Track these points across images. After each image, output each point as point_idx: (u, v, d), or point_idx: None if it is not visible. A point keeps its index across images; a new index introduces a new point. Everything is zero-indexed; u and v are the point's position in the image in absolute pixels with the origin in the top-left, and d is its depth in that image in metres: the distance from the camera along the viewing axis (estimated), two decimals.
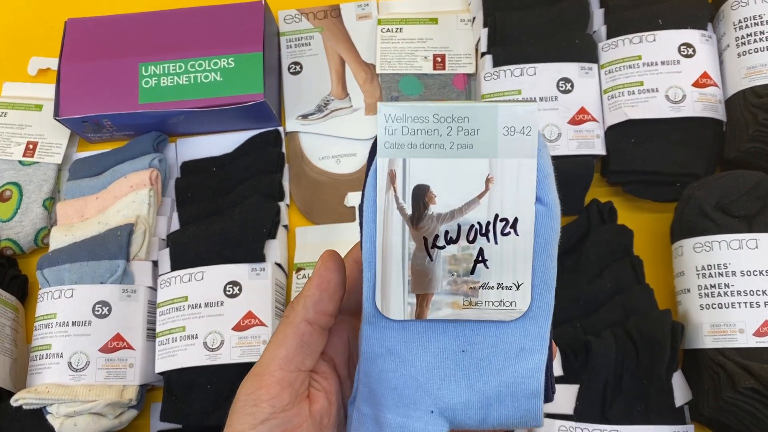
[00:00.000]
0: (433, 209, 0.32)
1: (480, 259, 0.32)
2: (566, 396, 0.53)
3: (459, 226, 0.32)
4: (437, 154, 0.31)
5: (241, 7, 0.64)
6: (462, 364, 0.33)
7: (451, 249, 0.32)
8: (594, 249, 0.57)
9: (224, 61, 0.62)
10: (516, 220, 0.32)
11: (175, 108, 0.62)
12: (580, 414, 0.52)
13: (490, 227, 0.32)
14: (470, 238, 0.32)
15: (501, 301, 0.33)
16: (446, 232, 0.32)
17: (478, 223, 0.32)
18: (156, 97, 0.62)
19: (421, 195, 0.32)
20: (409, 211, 0.32)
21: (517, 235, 0.32)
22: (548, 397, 0.35)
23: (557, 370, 0.54)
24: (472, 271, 0.32)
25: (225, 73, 0.62)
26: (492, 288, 0.32)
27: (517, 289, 0.33)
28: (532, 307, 0.33)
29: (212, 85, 0.62)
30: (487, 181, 0.31)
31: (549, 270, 0.33)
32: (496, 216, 0.32)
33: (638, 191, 0.60)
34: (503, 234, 0.32)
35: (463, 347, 0.33)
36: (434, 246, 0.32)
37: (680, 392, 0.51)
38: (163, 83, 0.63)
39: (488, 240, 0.32)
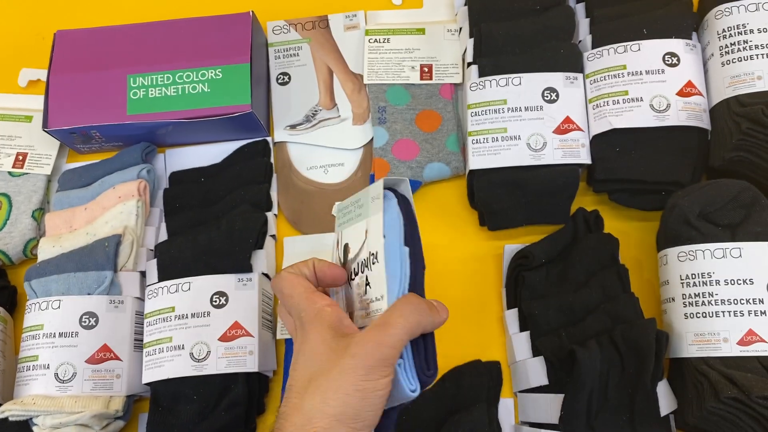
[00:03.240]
0: (350, 256, 0.48)
1: (367, 282, 0.46)
2: (552, 405, 0.53)
3: (358, 263, 0.47)
4: (350, 224, 0.49)
5: (228, 19, 0.64)
6: None
7: (357, 279, 0.47)
8: (580, 258, 0.57)
9: (212, 72, 0.63)
10: (376, 252, 0.45)
11: (163, 119, 0.62)
12: (565, 423, 0.52)
13: (368, 261, 0.46)
14: (362, 270, 0.47)
15: (376, 309, 0.45)
16: (354, 269, 0.48)
17: (365, 259, 0.47)
18: (144, 108, 0.63)
19: (345, 249, 0.49)
20: (341, 260, 0.49)
21: (378, 262, 0.45)
22: (426, 378, 0.44)
23: (542, 380, 0.54)
24: (366, 293, 0.46)
25: (212, 84, 0.62)
26: (374, 301, 0.45)
27: (381, 299, 0.45)
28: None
29: (200, 96, 0.62)
30: (366, 232, 0.47)
31: (398, 272, 0.45)
32: (370, 252, 0.46)
33: (624, 200, 0.60)
34: (373, 264, 0.46)
35: None
36: (350, 279, 0.48)
37: (665, 401, 0.51)
38: (152, 94, 0.63)
39: (369, 269, 0.46)
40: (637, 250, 0.61)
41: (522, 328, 0.57)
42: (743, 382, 0.46)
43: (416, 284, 0.45)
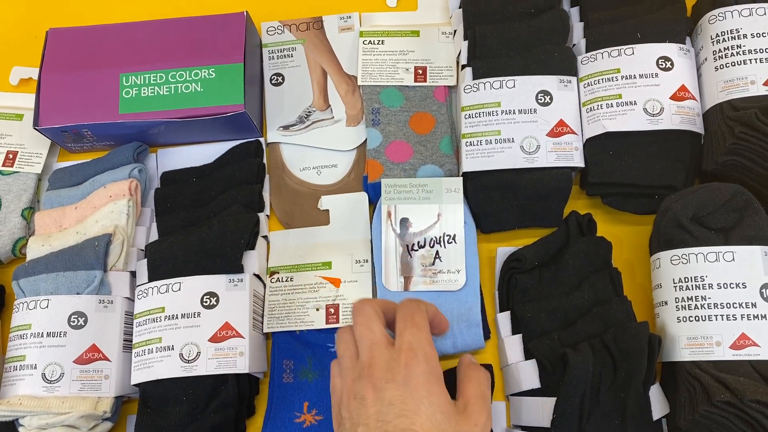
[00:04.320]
0: (411, 230, 0.59)
1: (437, 256, 0.59)
2: (544, 408, 0.52)
3: (425, 239, 0.59)
4: (411, 203, 0.60)
5: (222, 19, 0.64)
6: None
7: (421, 251, 0.59)
8: (573, 261, 0.57)
9: (205, 72, 0.62)
10: (454, 235, 0.59)
11: (156, 118, 0.62)
12: (557, 427, 0.51)
13: (441, 239, 0.59)
14: (431, 245, 0.59)
15: (449, 280, 0.59)
16: (418, 242, 0.59)
17: (435, 237, 0.59)
18: (136, 108, 0.62)
19: (404, 223, 0.59)
20: (398, 231, 0.59)
21: (456, 243, 0.59)
22: (486, 333, 0.58)
23: (534, 383, 0.54)
24: (433, 263, 0.59)
25: (206, 84, 0.62)
26: (444, 272, 0.59)
27: (458, 273, 0.59)
28: (467, 282, 0.59)
29: (193, 96, 0.62)
30: (438, 215, 0.60)
31: (474, 260, 0.59)
32: (444, 233, 0.59)
33: (617, 203, 0.60)
34: (448, 243, 0.59)
35: (436, 306, 0.54)
36: (412, 249, 0.59)
37: (657, 405, 0.51)
38: (144, 93, 0.62)
39: (441, 246, 0.59)
40: (630, 253, 0.61)
41: (514, 331, 0.57)
42: (736, 386, 0.46)
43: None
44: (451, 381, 0.56)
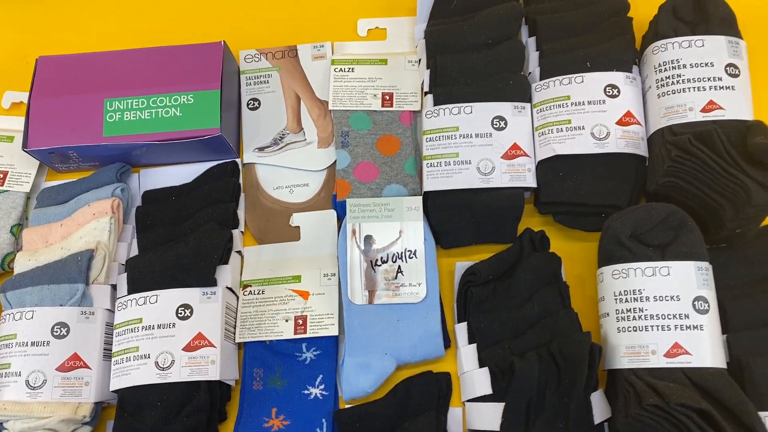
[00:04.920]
0: (374, 246, 0.63)
1: (399, 270, 0.63)
2: (494, 413, 0.56)
3: (387, 254, 0.63)
4: (375, 221, 0.64)
5: (201, 48, 0.68)
6: (398, 325, 0.62)
7: (384, 266, 0.63)
8: (524, 275, 0.61)
9: (184, 98, 0.67)
10: (415, 250, 0.64)
11: (138, 141, 0.66)
12: (505, 430, 0.55)
13: (403, 254, 0.63)
14: (393, 260, 0.63)
15: (411, 293, 0.63)
16: (381, 258, 0.63)
17: (397, 252, 0.64)
18: (119, 131, 0.66)
19: (368, 239, 0.63)
20: (362, 247, 0.63)
21: (417, 258, 0.63)
22: (446, 342, 0.62)
23: (486, 389, 0.58)
24: (395, 277, 0.63)
25: (184, 109, 0.66)
26: (406, 286, 0.63)
27: (419, 286, 0.63)
28: (428, 294, 0.63)
29: (172, 120, 0.66)
30: (400, 232, 0.64)
31: (434, 274, 0.64)
32: (405, 249, 0.63)
33: (567, 221, 0.64)
34: (409, 258, 0.63)
35: (398, 317, 0.62)
36: (375, 264, 0.63)
37: (599, 410, 0.55)
38: (127, 118, 0.67)
39: (403, 261, 0.63)
40: (581, 268, 0.65)
41: (470, 341, 0.61)
42: (664, 390, 0.49)
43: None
44: (410, 388, 0.60)
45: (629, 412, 0.51)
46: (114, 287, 0.64)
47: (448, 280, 0.66)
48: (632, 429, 0.51)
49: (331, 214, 0.67)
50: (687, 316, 0.54)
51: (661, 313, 0.54)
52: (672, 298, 0.54)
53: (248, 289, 0.65)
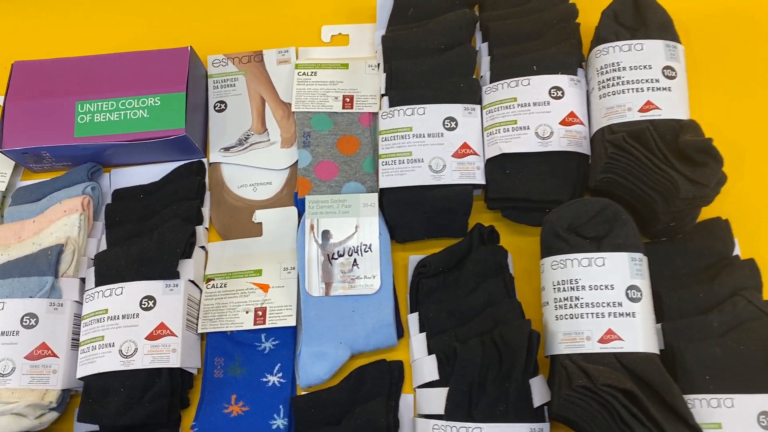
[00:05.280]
0: (331, 240, 0.67)
1: (355, 263, 0.66)
2: (440, 398, 0.59)
3: (344, 248, 0.67)
4: (332, 216, 0.67)
5: (168, 53, 0.72)
6: (353, 316, 0.65)
7: (340, 259, 0.66)
8: (472, 267, 0.64)
9: (151, 100, 0.70)
10: (370, 244, 0.67)
11: (107, 141, 0.69)
12: (449, 413, 0.58)
13: (359, 248, 0.67)
14: (349, 254, 0.66)
15: (366, 284, 0.66)
16: (338, 251, 0.67)
17: (353, 246, 0.67)
18: (90, 132, 0.70)
19: (326, 234, 0.66)
20: (320, 242, 0.66)
21: (372, 251, 0.67)
22: (399, 332, 0.66)
23: (434, 375, 0.60)
24: (351, 270, 0.66)
25: (151, 111, 0.70)
26: (361, 278, 0.66)
27: (373, 278, 0.66)
28: (382, 286, 0.66)
29: (140, 121, 0.69)
30: (356, 227, 0.67)
31: (388, 267, 0.66)
32: (361, 243, 0.67)
33: (514, 216, 0.67)
34: (365, 251, 0.67)
35: (353, 308, 0.65)
36: (332, 258, 0.66)
37: (539, 394, 0.58)
38: (97, 119, 0.70)
39: (358, 254, 0.66)
40: (528, 261, 0.68)
41: (420, 330, 0.64)
42: (593, 372, 0.52)
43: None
44: (363, 376, 0.63)
45: (561, 393, 0.54)
46: (83, 281, 0.67)
47: (403, 273, 0.69)
48: (564, 410, 0.54)
49: (292, 211, 0.70)
50: (620, 304, 0.57)
51: (596, 302, 0.57)
52: (606, 287, 0.57)
53: (211, 282, 0.68)
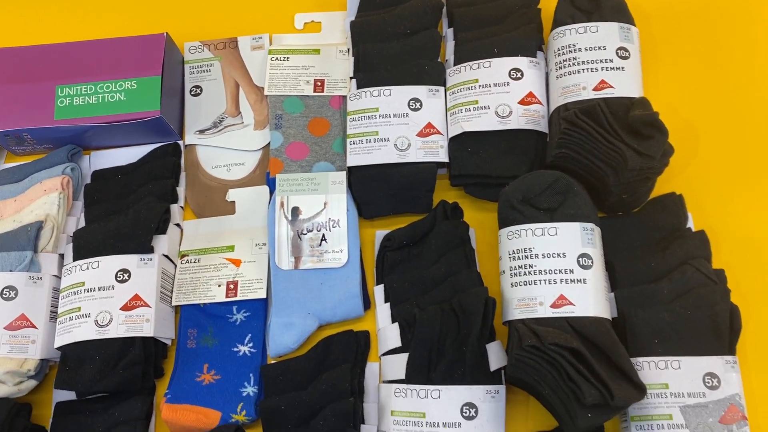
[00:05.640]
0: (301, 216, 0.69)
1: (323, 238, 0.69)
2: (401, 363, 0.62)
3: (313, 224, 0.69)
4: (302, 194, 0.70)
5: (144, 39, 0.74)
6: (321, 288, 0.68)
7: (309, 234, 0.69)
8: (435, 240, 0.67)
9: (128, 84, 0.73)
10: (338, 220, 0.69)
11: (86, 123, 0.72)
12: (409, 377, 0.60)
13: (327, 224, 0.69)
14: (318, 229, 0.69)
15: (333, 258, 0.68)
16: (307, 227, 0.69)
17: (321, 222, 0.69)
18: (69, 114, 0.72)
19: (295, 211, 0.69)
20: (290, 218, 0.69)
21: (339, 227, 0.69)
22: (366, 303, 0.68)
23: (396, 342, 0.63)
24: (320, 245, 0.69)
25: (128, 94, 0.72)
26: (329, 252, 0.68)
27: (341, 252, 0.68)
28: (349, 260, 0.68)
29: (117, 104, 0.72)
30: (325, 204, 0.69)
31: (355, 241, 0.69)
32: (329, 219, 0.69)
33: (476, 192, 0.70)
34: (333, 227, 0.69)
35: (321, 281, 0.68)
36: (301, 233, 0.69)
37: (495, 358, 0.60)
38: (76, 102, 0.73)
39: (327, 229, 0.69)
40: (491, 236, 0.70)
41: (385, 301, 0.66)
42: (542, 333, 0.55)
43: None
44: (330, 345, 0.65)
45: (513, 354, 0.56)
46: (62, 257, 0.70)
47: (372, 248, 0.71)
48: (516, 370, 0.56)
49: (264, 190, 0.73)
50: (572, 271, 0.59)
51: (549, 269, 0.60)
52: (559, 255, 0.60)
53: (185, 258, 0.70)
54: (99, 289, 0.65)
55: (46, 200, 0.70)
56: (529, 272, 0.60)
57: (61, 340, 0.64)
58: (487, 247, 0.69)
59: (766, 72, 0.74)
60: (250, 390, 0.65)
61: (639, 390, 0.54)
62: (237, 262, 0.70)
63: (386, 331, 0.64)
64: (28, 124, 0.72)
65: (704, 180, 0.71)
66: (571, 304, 0.58)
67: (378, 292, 0.67)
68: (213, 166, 0.75)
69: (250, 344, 0.67)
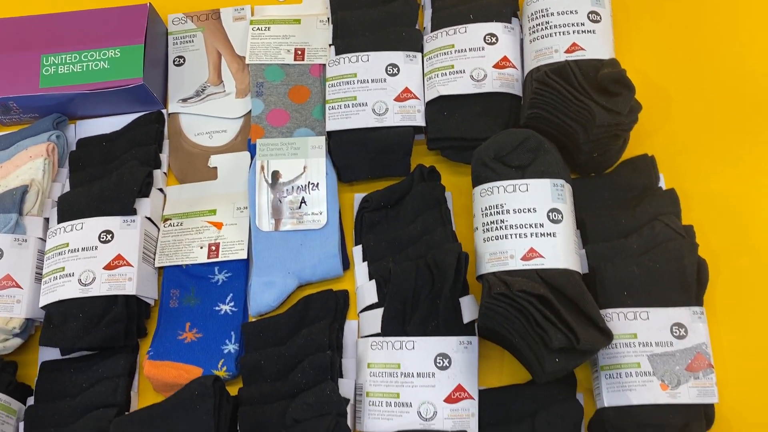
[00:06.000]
0: (281, 180, 0.70)
1: (303, 201, 0.70)
2: (378, 318, 0.63)
3: (292, 187, 0.70)
4: (282, 158, 0.71)
5: (128, 9, 0.76)
6: (301, 249, 0.69)
7: (289, 197, 0.70)
8: (411, 201, 0.68)
9: (112, 52, 0.74)
10: (317, 183, 0.71)
11: (71, 91, 0.73)
12: (385, 330, 0.62)
13: (306, 187, 0.70)
14: (297, 192, 0.70)
15: (313, 220, 0.70)
16: (286, 190, 0.70)
17: (301, 185, 0.70)
18: (54, 83, 0.74)
19: (275, 174, 0.70)
20: (270, 181, 0.70)
21: (319, 190, 0.70)
22: (345, 264, 0.69)
23: (373, 298, 0.64)
24: (299, 207, 0.70)
25: (112, 62, 0.74)
26: (308, 214, 0.70)
27: (320, 214, 0.69)
28: (328, 221, 0.70)
29: (101, 72, 0.74)
30: (304, 167, 0.71)
31: (334, 204, 0.70)
32: (309, 182, 0.70)
33: (452, 155, 0.71)
34: (312, 190, 0.70)
35: (301, 242, 0.69)
36: (282, 195, 0.70)
37: (468, 311, 0.62)
38: (61, 71, 0.74)
39: (306, 192, 0.70)
40: (467, 198, 0.71)
41: (363, 260, 0.68)
42: (510, 281, 0.56)
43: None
44: (309, 303, 0.67)
45: (483, 303, 0.58)
46: (47, 221, 0.71)
47: (351, 212, 0.73)
48: (486, 318, 0.58)
49: (246, 156, 0.74)
50: (542, 225, 0.61)
51: (520, 223, 0.61)
52: (529, 210, 0.61)
53: (168, 221, 0.72)
54: (83, 249, 0.66)
55: (32, 166, 0.72)
56: (501, 227, 0.62)
57: (45, 299, 0.66)
58: (463, 209, 0.71)
59: (736, 36, 0.76)
60: (231, 347, 0.66)
61: (605, 335, 0.56)
62: (218, 225, 0.71)
63: (363, 289, 0.65)
64: (13, 92, 0.74)
65: (676, 143, 0.72)
66: (540, 256, 0.60)
67: (356, 252, 0.69)
68: (195, 134, 0.76)
69: (231, 303, 0.68)
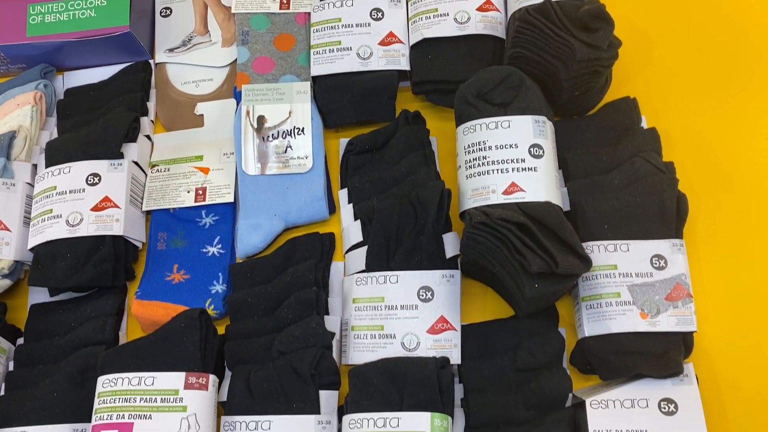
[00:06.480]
0: (266, 125, 0.71)
1: (288, 145, 0.71)
2: (362, 256, 0.64)
3: (278, 131, 0.71)
4: (267, 103, 0.72)
5: None
6: (287, 192, 0.70)
7: (275, 141, 0.71)
8: (396, 144, 0.69)
9: (98, 1, 0.75)
10: (303, 128, 0.71)
11: (57, 39, 0.74)
12: (369, 265, 0.63)
13: (292, 131, 0.71)
14: (283, 137, 0.71)
15: (299, 164, 0.70)
16: (272, 134, 0.71)
17: (287, 130, 0.71)
18: (41, 31, 0.74)
19: (261, 119, 0.70)
20: (255, 126, 0.70)
21: (304, 134, 0.71)
22: (331, 208, 0.70)
23: (358, 237, 0.65)
24: (285, 152, 0.70)
25: (98, 11, 0.74)
26: (294, 158, 0.70)
27: (306, 158, 0.70)
28: (314, 165, 0.70)
29: (88, 20, 0.74)
30: (290, 112, 0.71)
31: (320, 148, 0.71)
32: (294, 127, 0.71)
33: (437, 99, 0.72)
34: (298, 134, 0.71)
35: (287, 185, 0.70)
36: (267, 140, 0.70)
37: (451, 246, 0.63)
38: (48, 20, 0.75)
39: (292, 137, 0.71)
40: (452, 143, 0.72)
41: (349, 202, 0.68)
42: (490, 211, 0.57)
43: None
44: (296, 245, 0.68)
45: (465, 234, 0.58)
46: (35, 167, 0.72)
47: (337, 158, 0.73)
48: (467, 249, 0.59)
49: (232, 103, 0.75)
50: (523, 161, 0.61)
51: (501, 159, 0.62)
52: (511, 146, 0.62)
53: (156, 168, 0.72)
54: (70, 192, 0.67)
55: (19, 113, 0.72)
56: (483, 163, 0.62)
57: (34, 241, 0.67)
58: (448, 155, 0.71)
59: None
60: (218, 288, 0.67)
61: (584, 261, 0.57)
62: (205, 170, 0.72)
63: (349, 228, 0.66)
64: (1, 41, 0.74)
65: (657, 86, 0.73)
66: (521, 190, 0.61)
67: (342, 195, 0.69)
68: (182, 83, 0.77)
69: (219, 245, 0.69)
